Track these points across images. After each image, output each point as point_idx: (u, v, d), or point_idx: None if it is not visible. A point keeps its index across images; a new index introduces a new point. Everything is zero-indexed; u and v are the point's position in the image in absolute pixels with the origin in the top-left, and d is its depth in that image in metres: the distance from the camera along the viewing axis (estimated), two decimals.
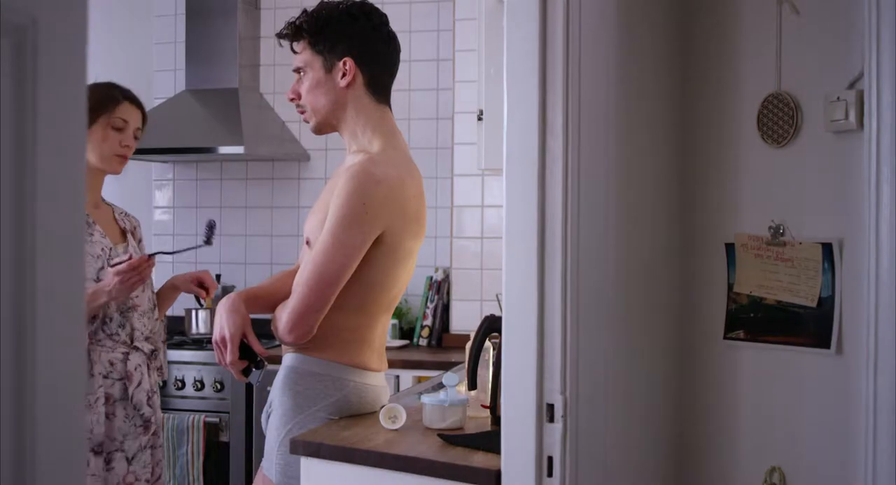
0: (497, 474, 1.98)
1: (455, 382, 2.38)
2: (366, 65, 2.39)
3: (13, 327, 0.78)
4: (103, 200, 2.96)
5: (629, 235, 2.09)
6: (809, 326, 2.08)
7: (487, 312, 2.48)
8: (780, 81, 2.12)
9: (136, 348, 2.79)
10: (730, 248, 2.19)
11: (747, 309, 2.17)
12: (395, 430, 2.29)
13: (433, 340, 4.32)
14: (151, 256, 2.77)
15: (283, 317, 2.34)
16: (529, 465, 1.89)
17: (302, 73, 2.44)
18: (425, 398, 2.36)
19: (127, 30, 4.81)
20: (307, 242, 2.45)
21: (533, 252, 1.89)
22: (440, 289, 4.33)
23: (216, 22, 4.53)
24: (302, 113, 2.48)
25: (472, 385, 2.40)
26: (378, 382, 2.49)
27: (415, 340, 4.33)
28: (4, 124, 0.77)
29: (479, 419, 2.42)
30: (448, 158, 4.31)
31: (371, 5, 2.46)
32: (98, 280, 2.72)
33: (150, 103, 4.66)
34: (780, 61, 2.12)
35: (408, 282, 2.51)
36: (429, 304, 4.32)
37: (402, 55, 2.51)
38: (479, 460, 2.10)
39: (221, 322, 2.36)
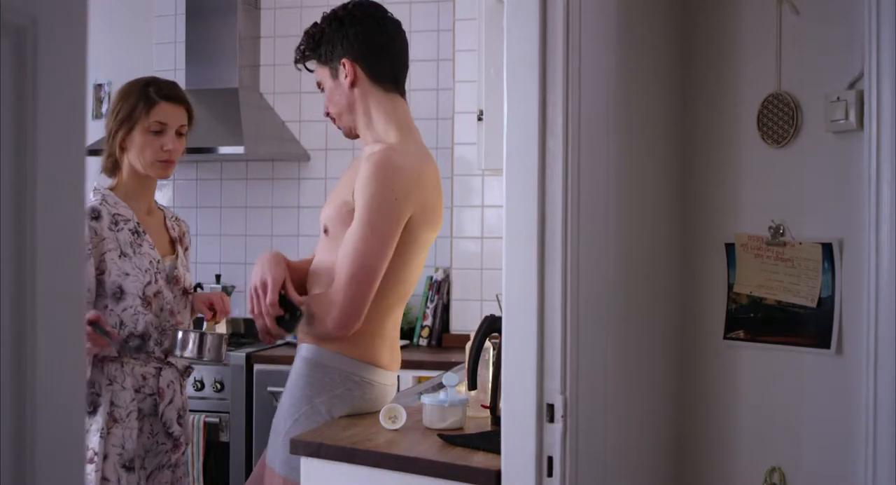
0: (497, 474, 1.98)
1: (455, 382, 2.38)
2: (363, 59, 2.46)
3: (13, 328, 0.78)
4: (156, 203, 2.81)
5: (629, 235, 2.09)
6: (809, 326, 2.08)
7: (487, 312, 2.48)
8: (780, 81, 2.12)
9: (170, 364, 2.67)
10: (730, 248, 2.19)
11: (747, 309, 2.17)
12: (395, 430, 2.29)
13: (433, 341, 4.32)
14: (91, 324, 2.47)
15: (334, 312, 2.35)
16: (529, 465, 1.89)
17: (323, 89, 2.55)
18: (425, 398, 2.36)
19: (127, 30, 4.81)
20: (324, 231, 2.49)
21: (533, 252, 1.89)
22: (440, 289, 4.33)
23: (216, 22, 4.53)
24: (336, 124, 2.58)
25: (472, 385, 2.39)
26: (385, 380, 2.50)
27: (415, 340, 4.33)
28: (4, 124, 0.77)
29: (479, 419, 2.42)
30: (448, 158, 4.31)
31: (361, 3, 2.53)
32: (144, 296, 2.58)
33: None
34: (780, 61, 2.12)
35: (419, 275, 2.54)
36: (429, 304, 4.32)
37: None
38: (479, 460, 2.10)
39: (263, 269, 2.42)
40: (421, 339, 4.31)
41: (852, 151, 1.98)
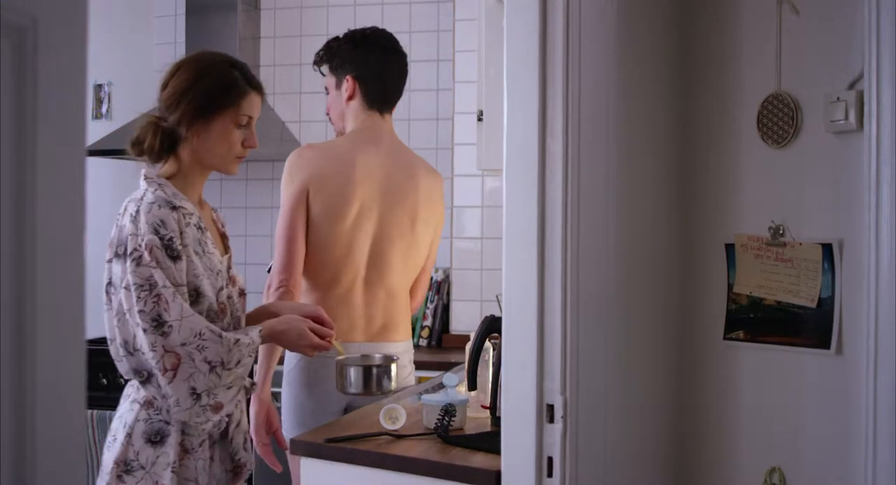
0: (497, 475, 1.98)
1: (455, 382, 2.38)
2: (363, 80, 2.90)
3: (13, 328, 0.78)
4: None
5: (629, 235, 2.09)
6: (809, 326, 2.08)
7: (487, 313, 2.49)
8: (780, 81, 2.12)
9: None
10: (730, 248, 2.19)
11: (747, 309, 2.17)
12: (395, 430, 2.29)
13: (433, 341, 4.32)
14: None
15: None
16: (529, 465, 1.89)
17: (328, 92, 3.00)
18: (425, 398, 2.36)
19: (127, 30, 4.81)
20: None
21: (533, 252, 1.89)
22: (440, 289, 4.33)
23: (216, 22, 4.53)
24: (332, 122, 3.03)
25: (472, 385, 2.40)
26: (361, 352, 2.78)
27: (415, 340, 4.33)
28: (4, 124, 0.77)
29: (479, 419, 2.42)
30: (448, 158, 4.31)
31: (375, 30, 2.97)
32: (219, 302, 2.25)
33: (150, 103, 4.66)
34: (780, 61, 2.12)
35: (354, 245, 2.84)
36: (429, 304, 4.32)
37: None
38: (479, 460, 2.10)
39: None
40: (421, 339, 4.32)
41: (852, 151, 1.98)
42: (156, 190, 2.22)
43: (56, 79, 0.81)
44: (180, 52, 4.62)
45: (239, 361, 2.17)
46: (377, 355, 2.61)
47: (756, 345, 2.16)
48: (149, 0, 4.81)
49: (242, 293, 2.39)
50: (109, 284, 2.18)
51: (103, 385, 3.96)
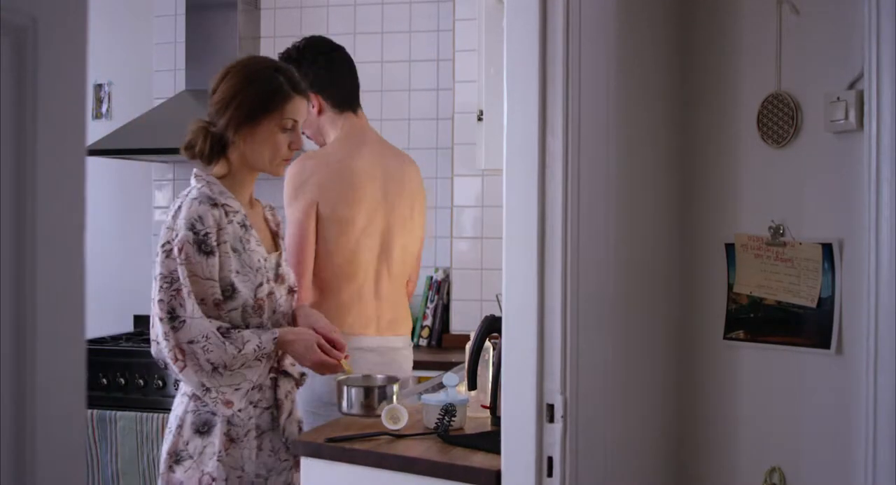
0: (497, 474, 1.98)
1: (455, 382, 2.38)
2: (322, 90, 2.97)
3: (13, 328, 0.78)
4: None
5: (629, 234, 2.09)
6: (809, 326, 2.07)
7: (487, 312, 2.49)
8: (780, 81, 2.12)
9: (286, 373, 2.40)
10: (730, 248, 2.19)
11: (747, 309, 2.17)
12: (397, 430, 2.29)
13: (433, 341, 4.32)
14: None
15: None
16: (529, 465, 1.89)
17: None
18: (425, 398, 2.36)
19: (127, 30, 4.81)
20: None
21: (533, 252, 1.89)
22: (440, 289, 4.33)
23: (216, 22, 4.53)
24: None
25: (472, 385, 2.40)
26: (360, 344, 2.87)
27: (415, 340, 4.33)
28: (4, 124, 0.77)
29: (479, 419, 2.42)
30: (448, 158, 4.31)
31: (308, 41, 3.04)
32: (255, 298, 2.32)
33: (149, 103, 4.67)
34: (780, 61, 2.12)
35: (359, 251, 2.91)
36: (429, 304, 4.31)
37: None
38: (479, 460, 2.10)
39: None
40: (421, 339, 4.31)
41: (852, 151, 1.98)
42: (202, 187, 2.33)
43: (56, 79, 0.81)
44: (180, 52, 4.63)
45: (243, 364, 2.26)
46: (379, 376, 2.58)
47: (756, 345, 2.16)
48: (149, 0, 4.81)
49: (291, 291, 2.47)
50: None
51: (103, 385, 3.96)
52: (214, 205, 2.29)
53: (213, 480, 2.27)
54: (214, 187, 2.33)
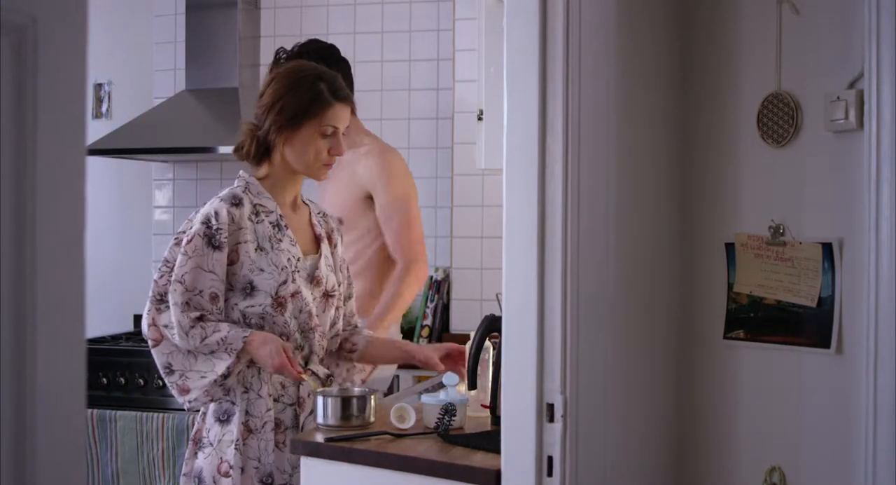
0: (497, 474, 1.98)
1: (455, 382, 2.38)
2: None
3: (13, 328, 0.78)
4: (302, 198, 2.59)
5: (629, 234, 2.09)
6: (809, 326, 2.07)
7: (487, 312, 2.49)
8: (780, 81, 2.12)
9: (311, 372, 2.42)
10: (730, 248, 2.19)
11: (747, 309, 2.17)
12: (403, 430, 2.29)
13: (433, 340, 4.32)
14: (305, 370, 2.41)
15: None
16: (529, 465, 1.89)
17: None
18: (425, 398, 2.36)
19: (127, 30, 4.81)
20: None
21: (533, 252, 1.89)
22: (440, 289, 4.33)
23: (216, 21, 4.52)
24: None
25: (472, 385, 2.40)
26: None
27: (415, 339, 4.33)
28: (4, 124, 0.77)
29: (479, 419, 2.42)
30: (448, 158, 4.31)
31: (308, 45, 3.13)
32: (276, 296, 2.37)
33: (149, 103, 4.67)
34: (780, 61, 2.12)
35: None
36: (429, 304, 4.31)
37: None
38: (479, 460, 2.10)
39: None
40: (421, 338, 4.31)
41: (852, 150, 1.98)
42: (235, 187, 2.45)
43: (56, 78, 0.81)
44: (180, 52, 4.63)
45: (213, 352, 2.34)
46: (356, 389, 2.50)
47: (756, 344, 2.16)
48: (149, 0, 4.81)
49: (326, 295, 2.49)
50: None
51: (103, 385, 3.96)
52: (236, 204, 2.39)
53: (231, 467, 2.35)
54: (252, 188, 2.44)
